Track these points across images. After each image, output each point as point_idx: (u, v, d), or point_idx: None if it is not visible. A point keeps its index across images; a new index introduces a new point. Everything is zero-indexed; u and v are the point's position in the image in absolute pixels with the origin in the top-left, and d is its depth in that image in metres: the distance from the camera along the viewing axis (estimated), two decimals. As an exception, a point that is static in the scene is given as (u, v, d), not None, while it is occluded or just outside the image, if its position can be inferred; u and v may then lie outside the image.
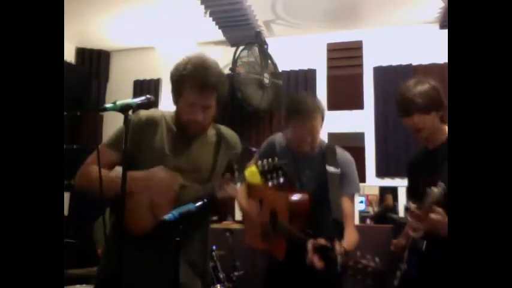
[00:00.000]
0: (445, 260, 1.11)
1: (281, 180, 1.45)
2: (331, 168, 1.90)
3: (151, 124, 1.63)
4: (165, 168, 1.57)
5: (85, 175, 1.60)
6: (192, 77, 1.57)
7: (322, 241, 1.62)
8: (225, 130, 1.79)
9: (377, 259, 1.51)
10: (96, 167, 1.42)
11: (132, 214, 1.47)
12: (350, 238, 1.79)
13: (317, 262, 1.59)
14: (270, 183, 1.45)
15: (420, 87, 1.68)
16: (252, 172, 1.47)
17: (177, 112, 1.66)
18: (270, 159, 1.46)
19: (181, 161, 1.63)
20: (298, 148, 1.97)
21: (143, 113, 1.62)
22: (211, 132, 1.75)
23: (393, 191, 4.40)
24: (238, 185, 1.55)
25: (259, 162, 1.46)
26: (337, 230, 1.71)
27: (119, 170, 1.43)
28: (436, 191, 1.57)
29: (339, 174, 1.91)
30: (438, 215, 1.53)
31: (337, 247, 1.58)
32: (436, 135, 1.73)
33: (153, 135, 1.62)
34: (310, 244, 1.63)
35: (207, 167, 1.68)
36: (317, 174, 1.95)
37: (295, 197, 1.91)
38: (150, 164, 1.58)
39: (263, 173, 1.44)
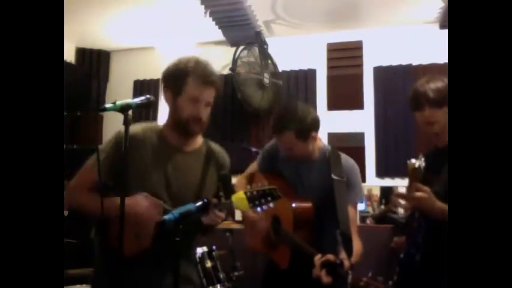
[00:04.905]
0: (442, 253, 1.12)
1: (270, 205, 1.40)
2: (337, 177, 1.82)
3: (135, 142, 1.55)
4: (148, 196, 1.50)
5: (70, 202, 1.61)
6: (198, 72, 1.55)
7: (330, 257, 1.57)
8: (216, 148, 1.73)
9: (390, 282, 1.47)
10: (80, 192, 1.55)
11: (116, 239, 1.36)
12: (355, 249, 1.72)
13: (325, 277, 1.54)
14: (258, 209, 1.40)
15: (433, 83, 1.73)
16: (239, 198, 1.41)
17: (174, 110, 1.59)
18: (259, 185, 1.41)
19: (166, 179, 1.57)
20: (291, 157, 1.93)
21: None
22: (201, 148, 1.68)
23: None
24: (223, 213, 1.47)
25: (248, 189, 1.40)
26: (344, 242, 1.64)
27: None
28: (413, 163, 1.58)
29: (345, 182, 1.84)
30: (423, 194, 1.55)
31: (346, 262, 1.53)
32: (446, 133, 1.73)
33: (137, 154, 1.55)
34: (317, 260, 1.58)
35: (194, 186, 1.61)
36: (321, 181, 1.88)
37: (299, 203, 1.86)
38: (136, 184, 1.51)
39: (251, 200, 1.39)
